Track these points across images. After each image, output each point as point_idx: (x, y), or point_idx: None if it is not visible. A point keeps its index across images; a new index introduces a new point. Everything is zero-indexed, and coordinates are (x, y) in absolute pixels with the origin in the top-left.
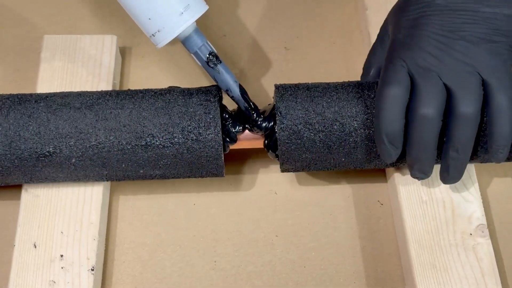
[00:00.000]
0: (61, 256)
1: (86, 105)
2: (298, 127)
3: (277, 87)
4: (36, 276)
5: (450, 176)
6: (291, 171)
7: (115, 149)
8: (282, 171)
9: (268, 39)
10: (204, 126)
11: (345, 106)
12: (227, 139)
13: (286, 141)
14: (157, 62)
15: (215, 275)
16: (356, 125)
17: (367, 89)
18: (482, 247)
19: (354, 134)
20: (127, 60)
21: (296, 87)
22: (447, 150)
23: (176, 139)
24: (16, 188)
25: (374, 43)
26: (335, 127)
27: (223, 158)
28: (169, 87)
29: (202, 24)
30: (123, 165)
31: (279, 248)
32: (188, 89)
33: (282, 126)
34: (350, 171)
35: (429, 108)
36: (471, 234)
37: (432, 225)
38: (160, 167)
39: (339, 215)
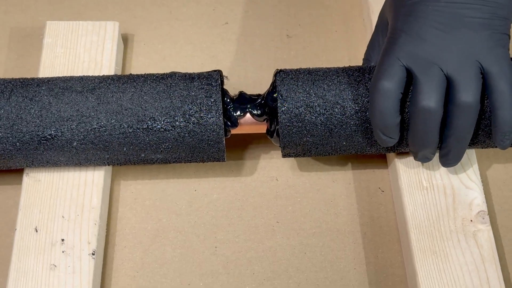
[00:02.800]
0: (62, 240)
1: (88, 89)
2: (299, 110)
3: (278, 71)
4: (37, 260)
5: (450, 160)
6: (293, 156)
7: (117, 132)
8: (284, 155)
9: (270, 26)
10: (206, 109)
11: (346, 89)
12: (228, 123)
13: (287, 124)
14: (159, 49)
15: (216, 260)
16: (357, 108)
17: (367, 72)
18: (482, 234)
19: (355, 117)
20: (129, 47)
21: (297, 71)
22: (447, 137)
23: (177, 123)
24: (17, 172)
25: (373, 35)
26: (336, 109)
27: (224, 142)
28: (171, 72)
29: (203, 12)
30: (125, 149)
31: (279, 234)
32: (190, 74)
33: (283, 109)
34: (351, 158)
35: (430, 101)
36: (471, 220)
37: (432, 211)
38: (161, 151)
39: (340, 202)
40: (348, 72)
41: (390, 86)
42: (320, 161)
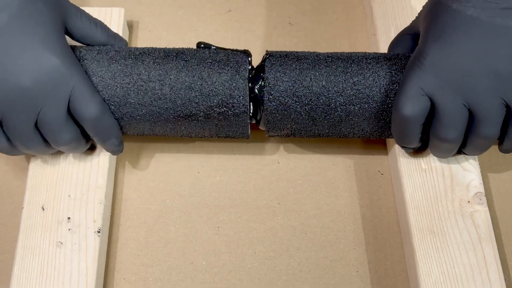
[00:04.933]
0: (68, 218)
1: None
2: (285, 99)
3: (268, 55)
4: (44, 237)
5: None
6: (277, 137)
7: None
8: (269, 136)
9: (273, 14)
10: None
11: (332, 81)
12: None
13: (273, 111)
14: (164, 36)
15: (218, 240)
16: (342, 101)
17: (356, 63)
18: (479, 214)
19: (339, 109)
20: (134, 33)
21: (286, 56)
22: (463, 150)
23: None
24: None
25: (401, 32)
26: (321, 100)
27: (249, 120)
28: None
29: (207, 0)
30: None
31: (281, 215)
32: (219, 58)
33: (269, 97)
34: (352, 143)
35: (450, 135)
36: (469, 201)
37: (431, 192)
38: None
39: (340, 184)
40: (336, 62)
41: (413, 116)
42: (321, 145)
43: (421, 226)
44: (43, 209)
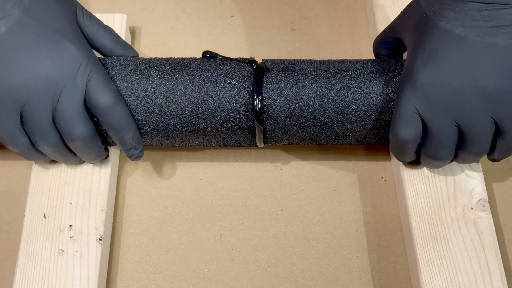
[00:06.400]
0: (70, 226)
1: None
2: (282, 119)
3: (264, 65)
4: (46, 245)
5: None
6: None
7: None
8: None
9: (275, 19)
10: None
11: (329, 100)
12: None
13: (271, 129)
14: (166, 42)
15: (221, 247)
16: (339, 119)
17: (354, 79)
18: (483, 221)
19: (336, 127)
20: (137, 39)
21: (283, 72)
22: (455, 160)
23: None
24: (27, 160)
25: (385, 31)
26: (318, 118)
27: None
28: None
29: (210, 5)
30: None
31: (283, 222)
32: (226, 69)
33: (267, 116)
34: (355, 149)
35: (441, 154)
36: (472, 208)
37: (434, 199)
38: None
39: (343, 191)
40: (334, 76)
41: (409, 139)
42: (324, 152)
43: (424, 233)
44: (45, 217)
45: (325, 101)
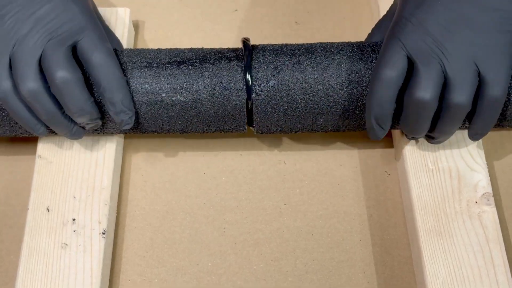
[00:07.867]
0: (73, 219)
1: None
2: (269, 106)
3: (251, 47)
4: (49, 238)
5: (436, 142)
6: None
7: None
8: (256, 132)
9: (279, 13)
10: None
11: (312, 83)
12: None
13: (258, 117)
14: (169, 36)
15: (224, 241)
16: (324, 107)
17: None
18: (487, 215)
19: (324, 117)
20: (140, 33)
21: (274, 67)
22: (436, 127)
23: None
24: (29, 155)
25: (383, 16)
26: (305, 106)
27: (245, 110)
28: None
29: None
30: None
31: (287, 216)
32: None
33: (256, 104)
34: (358, 143)
35: (426, 95)
36: (476, 202)
37: (438, 193)
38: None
39: (347, 185)
40: (321, 57)
41: (392, 75)
42: (327, 145)
43: (428, 227)
44: (48, 211)
45: (308, 84)
